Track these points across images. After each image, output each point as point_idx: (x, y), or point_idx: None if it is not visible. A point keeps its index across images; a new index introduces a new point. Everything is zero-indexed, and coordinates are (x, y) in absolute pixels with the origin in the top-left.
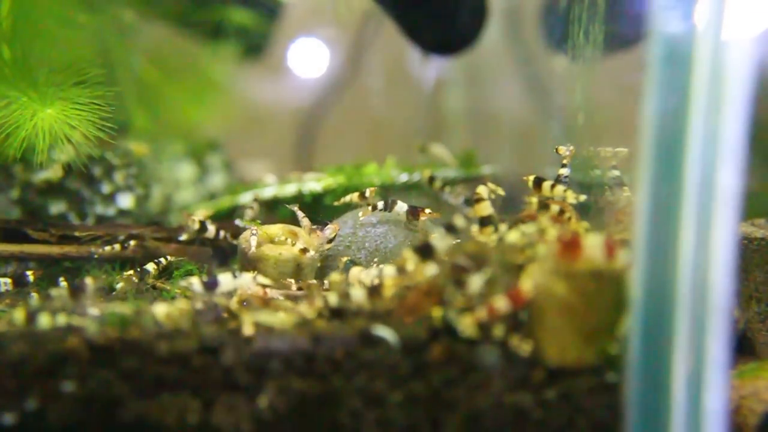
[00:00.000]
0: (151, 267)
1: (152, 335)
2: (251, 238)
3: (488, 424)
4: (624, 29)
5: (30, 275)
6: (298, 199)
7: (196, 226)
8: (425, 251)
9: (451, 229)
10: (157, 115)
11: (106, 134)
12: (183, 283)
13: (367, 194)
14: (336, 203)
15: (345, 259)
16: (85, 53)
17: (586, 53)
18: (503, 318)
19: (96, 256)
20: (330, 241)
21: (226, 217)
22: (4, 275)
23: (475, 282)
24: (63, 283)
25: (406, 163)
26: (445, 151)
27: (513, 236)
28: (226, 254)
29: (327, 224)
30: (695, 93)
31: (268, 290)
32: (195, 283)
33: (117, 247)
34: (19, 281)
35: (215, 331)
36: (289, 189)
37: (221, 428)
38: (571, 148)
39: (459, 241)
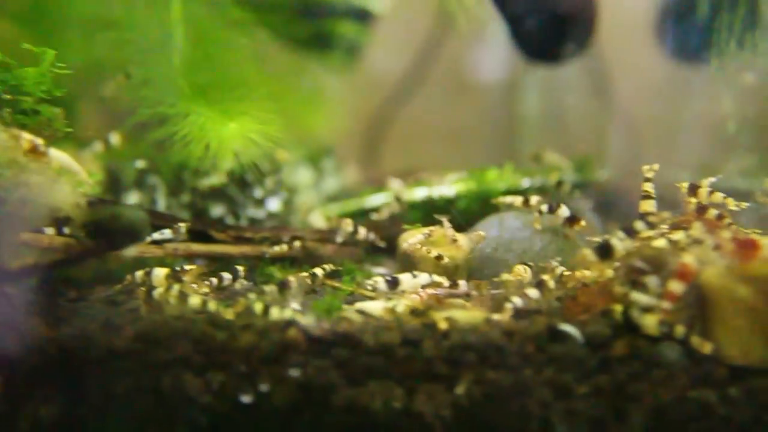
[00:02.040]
0: (319, 271)
1: (360, 328)
2: (415, 238)
3: (673, 418)
4: None
5: (241, 271)
6: (429, 203)
7: (350, 228)
8: (604, 251)
9: (630, 231)
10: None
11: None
12: (369, 282)
13: (533, 202)
14: (495, 201)
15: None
16: (247, 72)
17: (739, 60)
18: (682, 314)
19: (267, 256)
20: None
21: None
22: (224, 270)
23: (653, 283)
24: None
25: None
26: (559, 157)
27: (660, 242)
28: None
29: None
30: None
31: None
32: (380, 281)
33: (285, 247)
34: (235, 276)
35: (415, 325)
36: (420, 193)
37: (423, 414)
38: (655, 166)
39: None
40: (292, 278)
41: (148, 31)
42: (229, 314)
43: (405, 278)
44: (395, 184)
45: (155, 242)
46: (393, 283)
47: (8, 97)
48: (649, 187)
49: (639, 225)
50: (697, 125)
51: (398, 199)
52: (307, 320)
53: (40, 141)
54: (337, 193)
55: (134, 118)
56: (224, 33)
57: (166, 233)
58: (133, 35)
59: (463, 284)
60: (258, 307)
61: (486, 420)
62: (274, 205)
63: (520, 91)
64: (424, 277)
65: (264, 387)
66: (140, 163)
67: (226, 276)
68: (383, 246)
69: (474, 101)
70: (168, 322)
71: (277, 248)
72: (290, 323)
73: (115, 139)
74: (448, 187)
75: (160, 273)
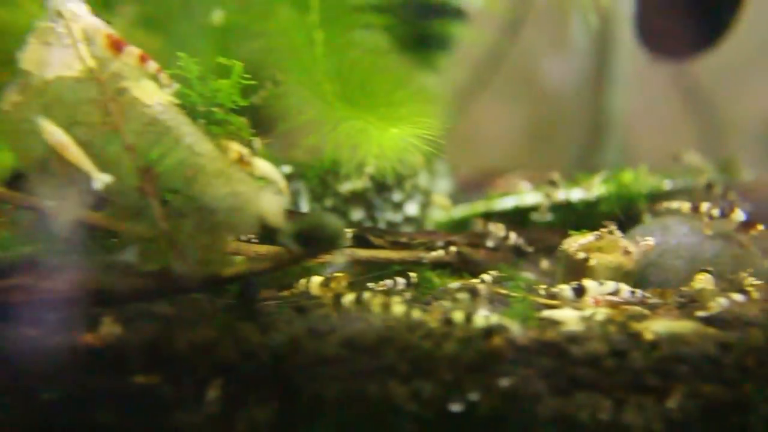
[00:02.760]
0: (487, 278)
1: (565, 338)
2: (585, 240)
3: None
4: None
5: (413, 277)
6: (565, 206)
7: (502, 233)
8: None
9: None
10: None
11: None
12: (555, 290)
13: (705, 209)
14: (657, 207)
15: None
16: (395, 76)
17: None
18: None
19: (425, 261)
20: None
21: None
22: (398, 275)
23: None
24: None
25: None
26: (699, 158)
27: None
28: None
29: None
30: None
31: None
32: (566, 289)
33: (441, 252)
34: (408, 282)
35: (621, 335)
36: (558, 196)
37: (632, 427)
38: None
39: None
40: (480, 285)
41: (291, 36)
42: (432, 322)
43: (592, 285)
44: (526, 186)
45: None
46: (579, 291)
47: (201, 108)
48: None
49: None
50: None
51: (554, 184)
52: (514, 328)
53: (245, 151)
54: (450, 195)
55: (286, 124)
56: (359, 36)
57: None
58: (276, 42)
59: (626, 290)
60: (458, 315)
61: None
62: (412, 209)
63: (603, 90)
64: (610, 285)
65: (473, 396)
66: (287, 168)
67: (401, 281)
68: (531, 251)
69: (551, 100)
70: (372, 328)
71: (434, 253)
72: (493, 331)
73: (257, 144)
74: (587, 190)
75: (316, 279)
